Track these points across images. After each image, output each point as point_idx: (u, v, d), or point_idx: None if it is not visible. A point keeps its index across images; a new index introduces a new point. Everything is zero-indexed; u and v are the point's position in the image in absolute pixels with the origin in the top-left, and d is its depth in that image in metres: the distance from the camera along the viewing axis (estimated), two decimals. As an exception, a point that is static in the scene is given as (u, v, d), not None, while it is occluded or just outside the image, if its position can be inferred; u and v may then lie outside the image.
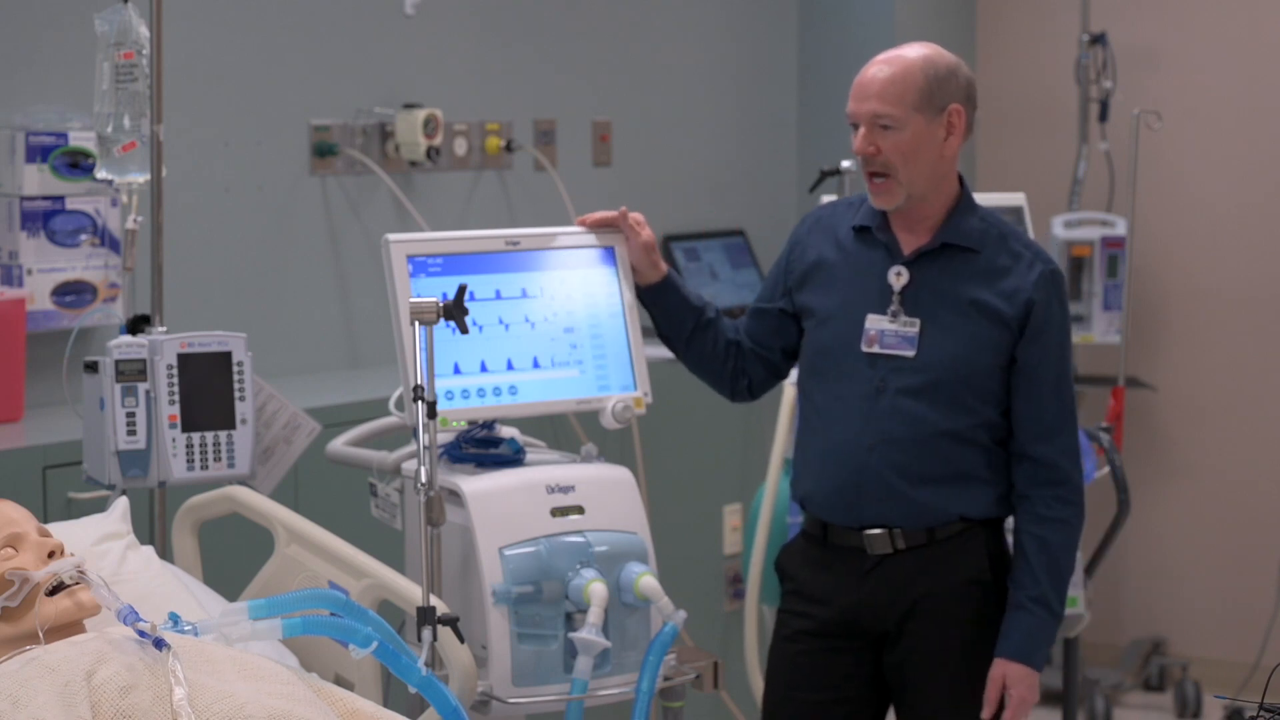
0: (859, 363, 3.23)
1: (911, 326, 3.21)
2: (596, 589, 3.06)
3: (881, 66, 3.18)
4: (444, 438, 3.21)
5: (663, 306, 3.40)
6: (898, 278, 3.23)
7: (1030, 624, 3.19)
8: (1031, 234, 4.41)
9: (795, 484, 3.36)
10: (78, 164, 3.82)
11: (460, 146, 4.80)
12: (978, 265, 3.22)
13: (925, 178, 3.19)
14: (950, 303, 3.21)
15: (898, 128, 3.15)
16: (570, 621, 3.10)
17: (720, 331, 3.41)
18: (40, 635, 2.44)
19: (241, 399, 3.27)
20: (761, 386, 3.46)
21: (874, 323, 3.23)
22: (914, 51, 3.19)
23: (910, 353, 3.20)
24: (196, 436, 3.23)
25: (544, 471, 3.21)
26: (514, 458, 3.23)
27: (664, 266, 3.40)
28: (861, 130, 3.17)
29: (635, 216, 3.38)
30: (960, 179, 3.27)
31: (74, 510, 3.40)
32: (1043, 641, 3.21)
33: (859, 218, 3.30)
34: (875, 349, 3.22)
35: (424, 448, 2.87)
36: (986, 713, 3.22)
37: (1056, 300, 3.21)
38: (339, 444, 3.50)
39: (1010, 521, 3.30)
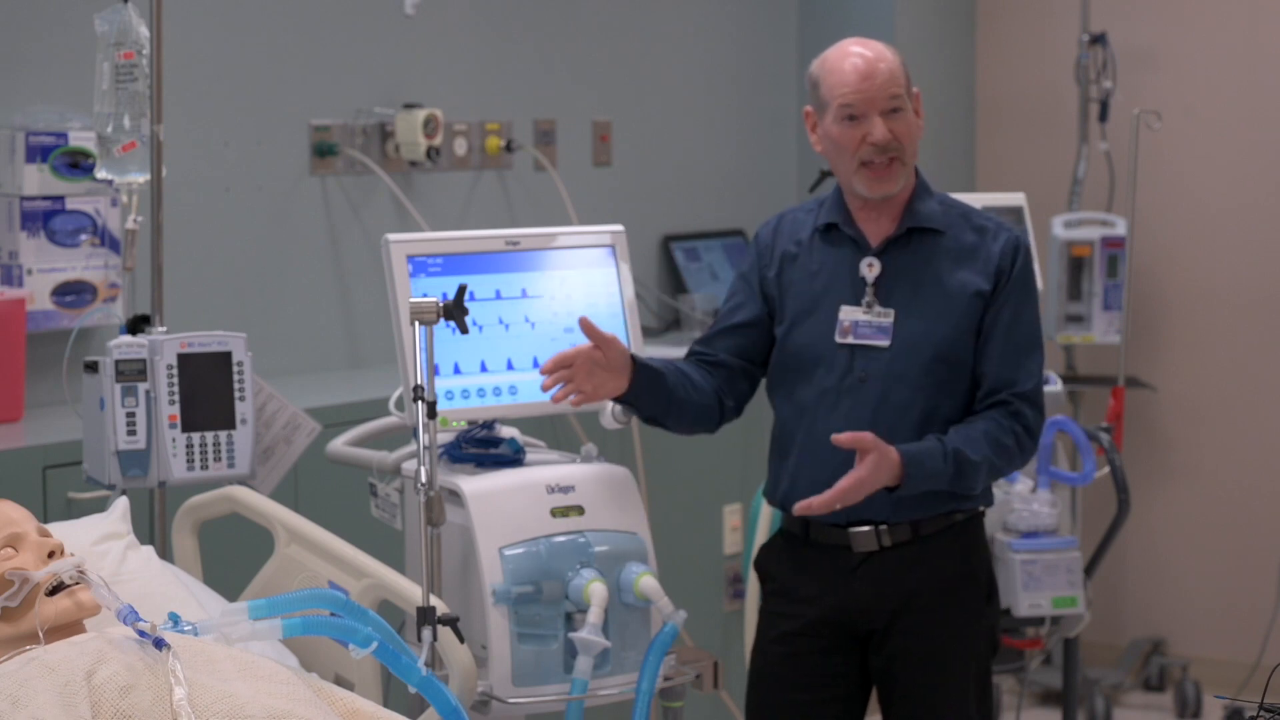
0: (837, 355, 3.22)
1: (885, 317, 3.21)
2: (596, 589, 3.06)
3: (865, 54, 3.19)
4: (444, 438, 3.21)
5: (641, 391, 3.21)
6: (869, 268, 3.23)
7: (931, 451, 3.11)
8: (1031, 234, 4.41)
9: (772, 488, 3.33)
10: (78, 164, 3.82)
11: (460, 146, 4.80)
12: (945, 245, 3.23)
13: (915, 158, 3.23)
14: (925, 286, 3.22)
15: (904, 109, 3.18)
16: (570, 621, 3.10)
17: (691, 378, 3.28)
18: (40, 635, 2.44)
19: (241, 399, 3.27)
20: (744, 401, 3.38)
21: (848, 314, 3.22)
22: (869, 41, 3.24)
23: (885, 342, 3.20)
24: (196, 436, 3.23)
25: (544, 471, 3.21)
26: (514, 458, 3.24)
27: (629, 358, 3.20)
28: (876, 119, 3.16)
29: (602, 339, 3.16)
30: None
31: (74, 510, 3.40)
32: (925, 474, 3.10)
33: (824, 217, 3.29)
34: (850, 339, 3.22)
35: (424, 448, 2.87)
36: (840, 439, 3.08)
37: (1022, 264, 3.23)
38: (339, 444, 3.50)
39: (992, 515, 3.30)
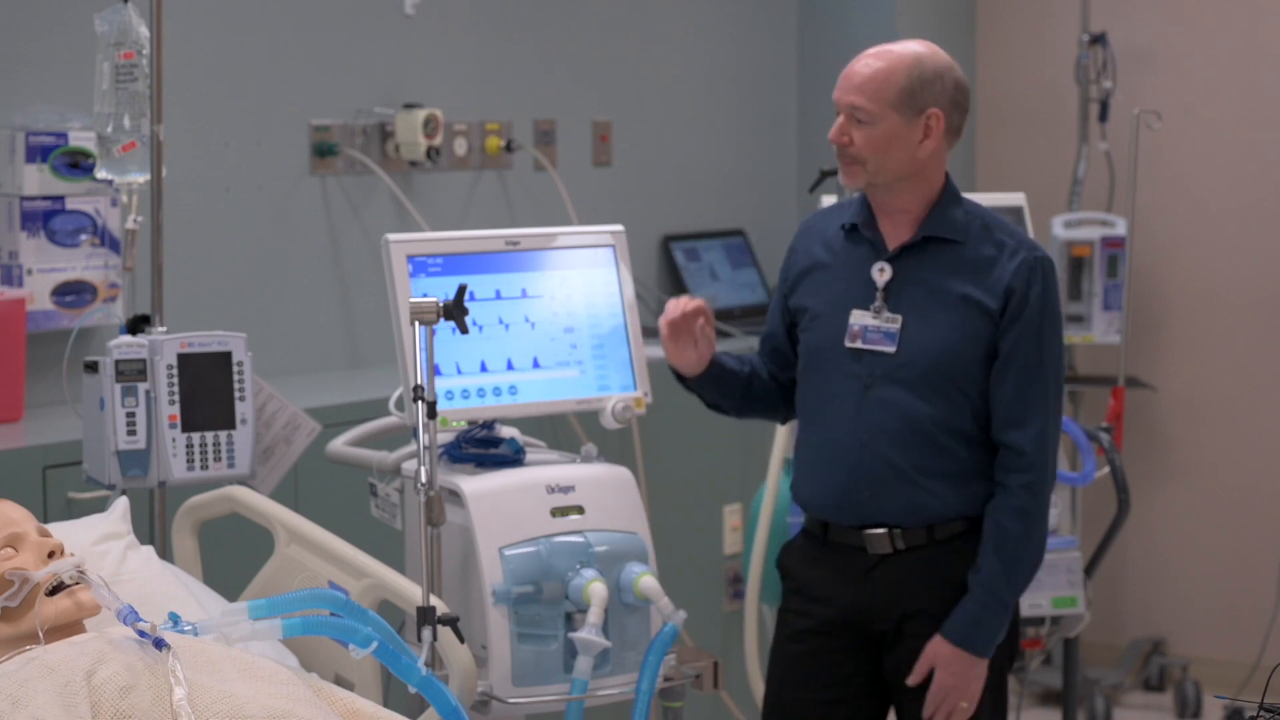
0: (845, 359, 3.23)
1: (893, 322, 3.21)
2: (596, 589, 3.06)
3: (869, 60, 3.19)
4: (444, 438, 3.21)
5: (712, 385, 3.35)
6: (880, 273, 3.23)
7: (975, 610, 3.17)
8: (1031, 234, 4.40)
9: (795, 485, 3.36)
10: (78, 164, 3.82)
11: (460, 146, 4.80)
12: (961, 257, 3.21)
13: (894, 173, 3.19)
14: (934, 296, 3.21)
15: (871, 123, 3.16)
16: (570, 621, 3.10)
17: (764, 380, 3.40)
18: (40, 635, 2.44)
19: (241, 399, 3.27)
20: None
21: (857, 318, 3.23)
22: (906, 49, 3.20)
23: (890, 348, 3.20)
24: (196, 436, 3.23)
25: (544, 471, 3.21)
26: (514, 458, 3.24)
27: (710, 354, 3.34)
28: (840, 120, 3.19)
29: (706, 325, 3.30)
30: (945, 174, 3.26)
31: (74, 510, 3.40)
32: (986, 629, 3.17)
33: (848, 217, 3.30)
34: (858, 344, 3.22)
35: (424, 448, 2.87)
36: (912, 680, 3.19)
37: (1038, 287, 3.19)
38: (339, 444, 3.50)
39: None
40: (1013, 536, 3.17)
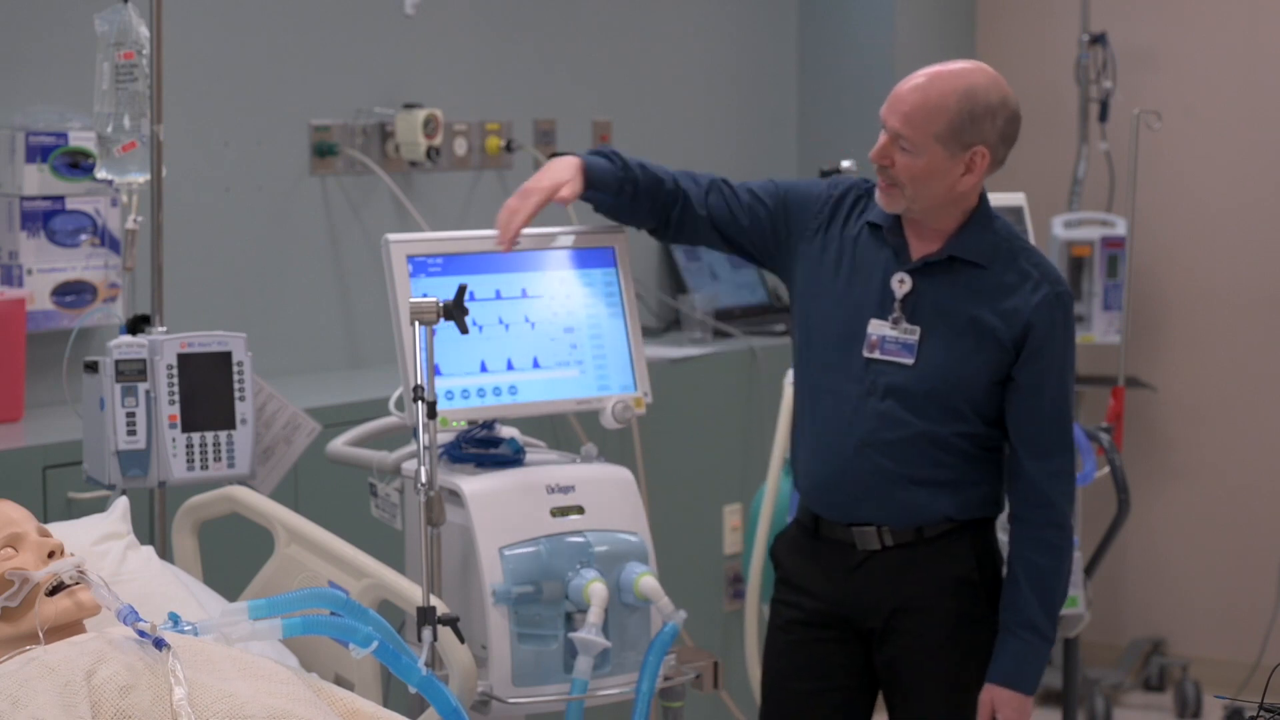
0: (856, 364, 3.22)
1: (912, 334, 3.19)
2: (596, 589, 3.06)
3: (921, 84, 3.10)
4: (444, 438, 3.21)
5: (594, 193, 3.36)
6: (900, 285, 3.21)
7: (1019, 649, 3.18)
8: (1031, 234, 4.41)
9: (792, 463, 3.38)
10: (78, 164, 3.82)
11: (460, 146, 4.80)
12: (983, 281, 3.18)
13: (931, 201, 3.15)
14: (949, 317, 3.18)
15: (915, 152, 3.09)
16: (570, 621, 3.10)
17: (660, 188, 3.37)
18: (40, 635, 2.44)
19: (241, 399, 3.27)
20: (682, 236, 3.42)
21: (876, 328, 3.20)
22: (960, 77, 3.10)
23: (909, 360, 3.18)
24: (196, 436, 3.23)
25: (544, 471, 3.20)
26: (514, 458, 3.23)
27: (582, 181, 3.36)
28: (883, 138, 3.13)
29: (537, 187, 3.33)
30: (981, 193, 3.22)
31: (74, 510, 3.40)
32: (1033, 666, 3.19)
33: (873, 214, 3.25)
34: (875, 354, 3.21)
35: (424, 448, 2.87)
36: None
37: (1060, 324, 3.17)
38: (339, 444, 3.50)
39: (1003, 519, 3.30)
40: (1048, 571, 3.19)
